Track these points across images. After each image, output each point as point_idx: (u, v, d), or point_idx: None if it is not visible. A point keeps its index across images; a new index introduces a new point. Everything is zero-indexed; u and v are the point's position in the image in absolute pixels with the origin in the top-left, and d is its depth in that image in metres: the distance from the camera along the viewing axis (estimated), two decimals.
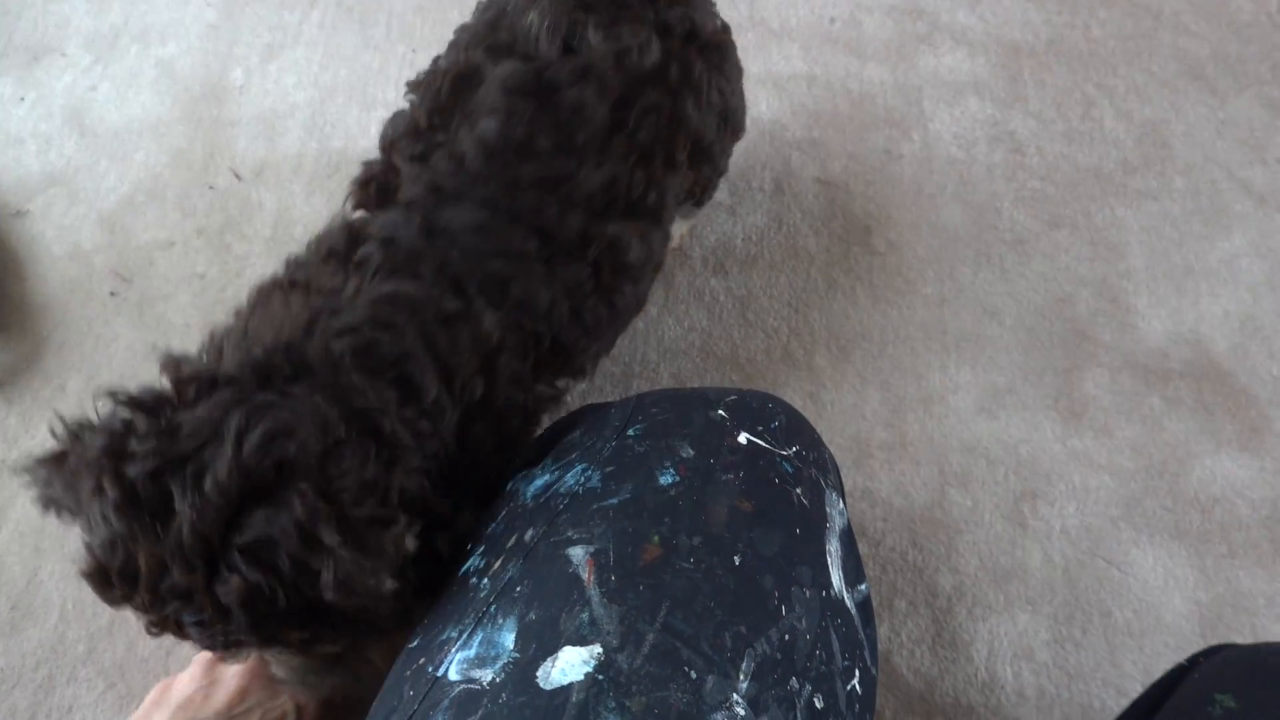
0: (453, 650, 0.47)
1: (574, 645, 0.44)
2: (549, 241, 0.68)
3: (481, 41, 0.73)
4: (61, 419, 0.56)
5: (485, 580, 0.52)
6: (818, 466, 0.59)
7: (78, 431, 0.55)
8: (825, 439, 0.64)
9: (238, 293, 1.00)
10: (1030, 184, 1.13)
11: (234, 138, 1.13)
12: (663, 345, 0.99)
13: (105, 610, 0.82)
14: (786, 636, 0.48)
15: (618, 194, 0.71)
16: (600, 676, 0.42)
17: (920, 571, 0.87)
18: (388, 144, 0.75)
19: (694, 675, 0.43)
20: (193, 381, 0.55)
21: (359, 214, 0.73)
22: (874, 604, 0.60)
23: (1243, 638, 0.85)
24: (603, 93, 0.71)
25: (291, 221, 1.07)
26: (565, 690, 0.42)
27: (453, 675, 0.46)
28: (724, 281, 1.03)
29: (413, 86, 0.77)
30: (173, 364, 0.58)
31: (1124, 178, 1.14)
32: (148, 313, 1.00)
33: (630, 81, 0.72)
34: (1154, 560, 0.88)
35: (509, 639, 0.46)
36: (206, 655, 0.63)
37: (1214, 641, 0.79)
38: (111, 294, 1.01)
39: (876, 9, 1.28)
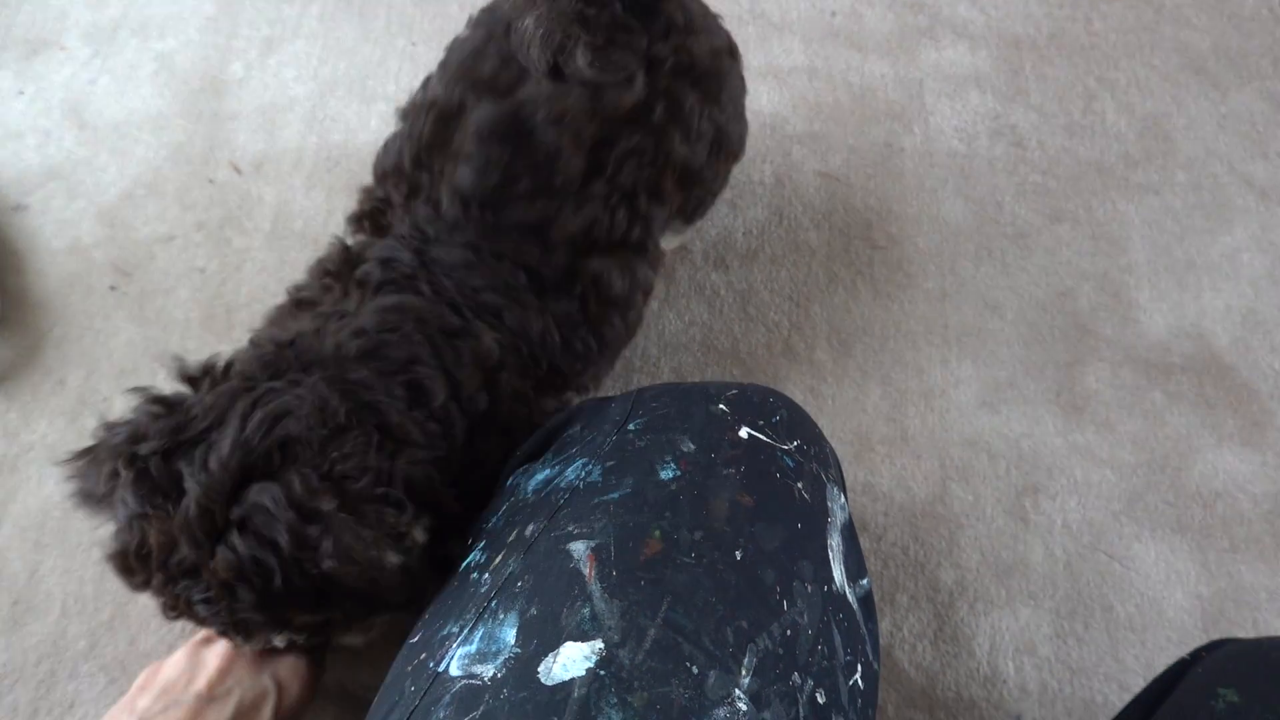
0: (454, 645, 0.47)
1: (575, 641, 0.44)
2: (536, 276, 0.70)
3: (466, 75, 0.73)
4: (101, 418, 0.59)
5: (486, 575, 0.52)
6: (819, 461, 0.59)
7: (109, 426, 0.58)
8: (826, 433, 0.64)
9: (238, 287, 1.01)
10: (1031, 178, 1.13)
11: (233, 132, 1.13)
12: (663, 339, 0.99)
13: (107, 605, 0.82)
14: (788, 632, 0.48)
15: (599, 234, 0.72)
16: (602, 672, 0.42)
17: (922, 566, 0.87)
18: (381, 174, 0.76)
19: (696, 671, 0.43)
20: (205, 375, 0.59)
21: (357, 238, 0.75)
22: (875, 599, 0.60)
23: (1245, 632, 0.84)
24: (578, 140, 0.70)
25: (291, 216, 1.06)
26: (567, 686, 0.42)
27: (454, 671, 0.46)
28: (725, 276, 1.03)
29: (402, 114, 0.77)
30: (183, 366, 0.61)
31: (1125, 171, 1.13)
32: (148, 307, 1.00)
33: (608, 125, 0.71)
34: (1156, 555, 0.88)
35: (510, 634, 0.46)
36: (194, 640, 0.64)
37: (1216, 636, 0.79)
38: (111, 288, 1.00)
39: (877, 2, 1.27)
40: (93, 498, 0.58)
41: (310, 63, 1.19)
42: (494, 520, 0.58)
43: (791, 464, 0.56)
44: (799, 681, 0.47)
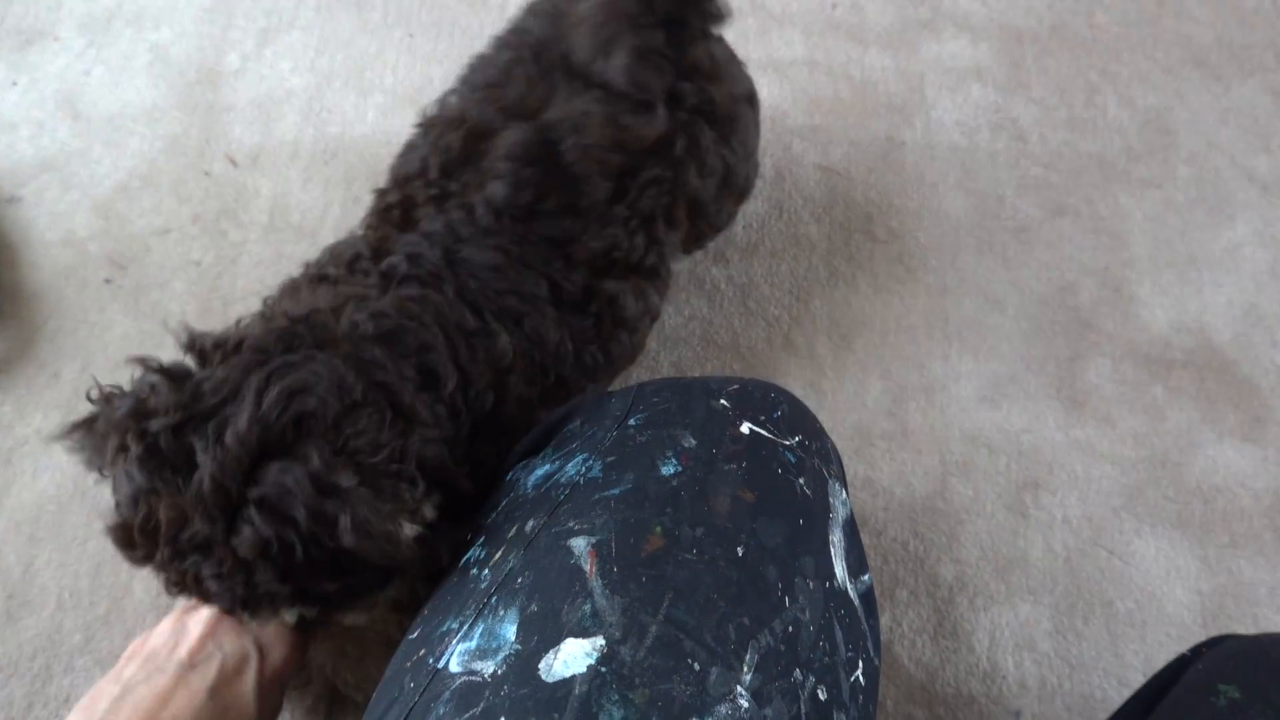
0: (453, 642, 0.47)
1: (576, 637, 0.43)
2: (557, 290, 0.73)
3: (493, 99, 0.77)
4: (97, 386, 0.58)
5: (486, 571, 0.51)
6: (820, 456, 0.59)
7: (109, 397, 0.57)
8: (826, 428, 0.63)
9: (234, 280, 1.00)
10: (1033, 171, 1.12)
11: (229, 123, 1.12)
12: (663, 334, 0.98)
13: (102, 599, 0.82)
14: (790, 628, 0.47)
15: (618, 256, 0.76)
16: (603, 668, 0.42)
17: (922, 561, 0.87)
18: (402, 178, 0.78)
19: (697, 667, 0.43)
20: (217, 348, 0.58)
21: (382, 230, 0.76)
22: (875, 594, 0.60)
23: (1245, 628, 0.84)
24: (605, 167, 0.75)
25: (288, 208, 1.06)
26: (568, 682, 0.42)
27: (454, 667, 0.45)
28: (725, 270, 1.03)
29: (424, 125, 0.80)
30: (192, 337, 0.60)
31: (1127, 165, 1.13)
32: (143, 300, 0.99)
33: (633, 155, 0.76)
34: (1156, 550, 0.88)
35: (510, 631, 0.45)
36: (179, 609, 0.64)
37: (1216, 632, 0.79)
38: (106, 281, 1.00)
39: None
40: (98, 465, 0.57)
41: (307, 54, 1.19)
42: (493, 516, 0.58)
43: (793, 459, 0.55)
44: (801, 678, 0.46)
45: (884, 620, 0.84)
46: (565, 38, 0.78)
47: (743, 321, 1.00)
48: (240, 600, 0.55)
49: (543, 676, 0.42)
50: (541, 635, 0.44)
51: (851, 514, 0.59)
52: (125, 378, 0.60)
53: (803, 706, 0.46)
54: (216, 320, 0.97)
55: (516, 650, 0.44)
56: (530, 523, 0.52)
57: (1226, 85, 1.20)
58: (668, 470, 0.52)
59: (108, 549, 0.83)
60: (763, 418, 0.57)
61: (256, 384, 0.54)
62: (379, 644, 0.72)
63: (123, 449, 0.54)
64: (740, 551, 0.48)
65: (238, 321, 0.64)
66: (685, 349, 0.98)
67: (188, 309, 0.98)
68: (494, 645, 0.45)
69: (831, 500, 0.57)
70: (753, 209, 1.07)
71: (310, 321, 0.61)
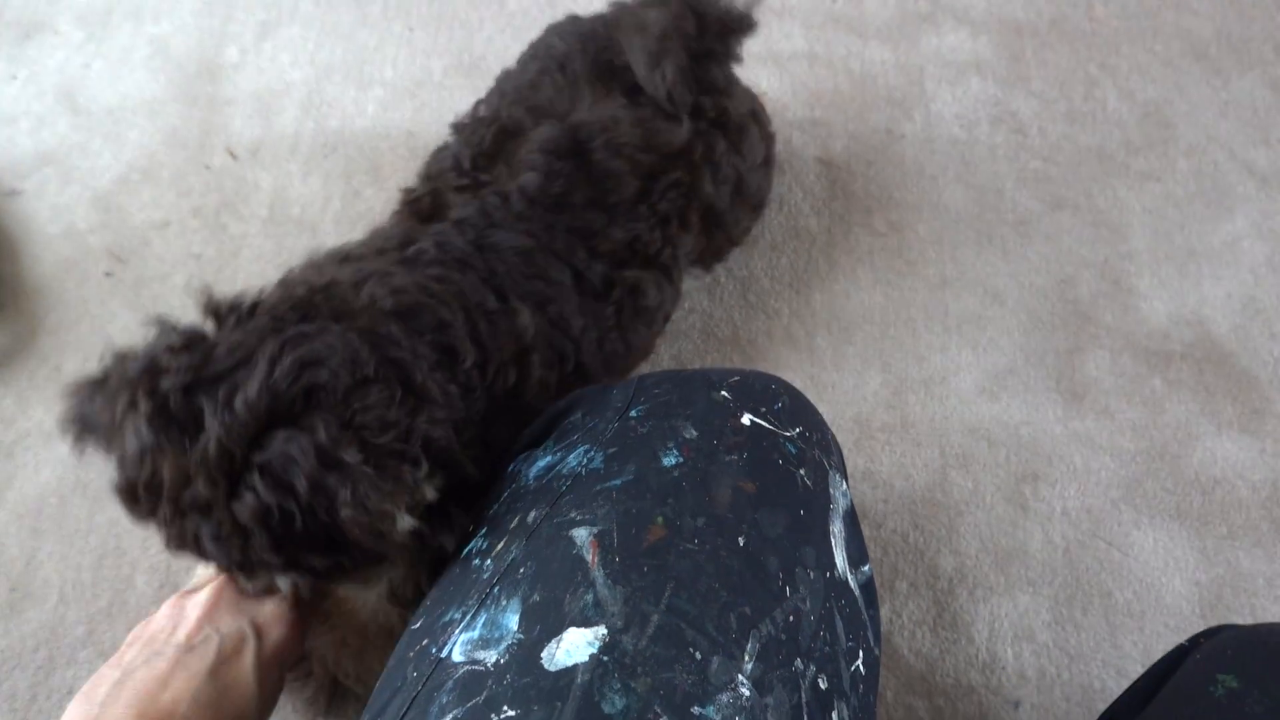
0: (456, 631, 0.47)
1: (578, 626, 0.44)
2: (580, 278, 0.76)
3: (524, 100, 0.83)
4: (111, 345, 0.58)
5: (488, 561, 0.51)
6: (821, 448, 0.59)
7: (122, 355, 0.58)
8: (827, 420, 0.63)
9: (234, 274, 1.00)
10: (1032, 165, 1.12)
11: (229, 117, 1.12)
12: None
13: (105, 592, 0.82)
14: (791, 618, 0.48)
15: (638, 249, 0.80)
16: (605, 658, 0.42)
17: (921, 553, 0.87)
18: (434, 174, 0.81)
19: (699, 656, 0.43)
20: (232, 311, 0.58)
21: (409, 221, 0.78)
22: (875, 585, 0.60)
23: (1242, 618, 0.85)
24: (636, 168, 0.79)
25: (288, 202, 1.06)
26: (570, 671, 0.42)
27: (456, 656, 0.45)
28: (725, 263, 1.03)
29: (456, 129, 0.86)
30: (211, 300, 0.60)
31: (1126, 158, 1.13)
32: (143, 293, 0.99)
33: (660, 158, 0.81)
34: (1154, 541, 0.88)
35: (513, 620, 0.45)
36: (178, 594, 0.65)
37: (1214, 622, 0.79)
38: (107, 274, 1.00)
39: None
40: (90, 426, 0.57)
41: (306, 47, 1.18)
42: (495, 506, 0.58)
43: (794, 450, 0.56)
44: (801, 667, 0.47)
45: (884, 611, 0.84)
46: (623, 35, 0.85)
47: (743, 314, 1.00)
48: (236, 563, 0.55)
49: (545, 666, 0.42)
50: (544, 625, 0.44)
51: (852, 505, 0.60)
52: None
53: (804, 695, 0.46)
54: None
55: (519, 639, 0.44)
56: (532, 513, 0.52)
57: (1226, 78, 1.20)
58: (669, 461, 0.52)
59: (110, 541, 0.84)
60: (763, 409, 0.57)
61: (270, 351, 0.54)
62: (380, 636, 0.72)
63: (133, 405, 0.54)
64: (741, 542, 0.49)
65: (261, 289, 0.64)
66: (685, 342, 0.98)
67: (188, 302, 0.98)
68: (496, 635, 0.45)
69: (832, 491, 0.57)
70: None
71: (329, 292, 0.61)
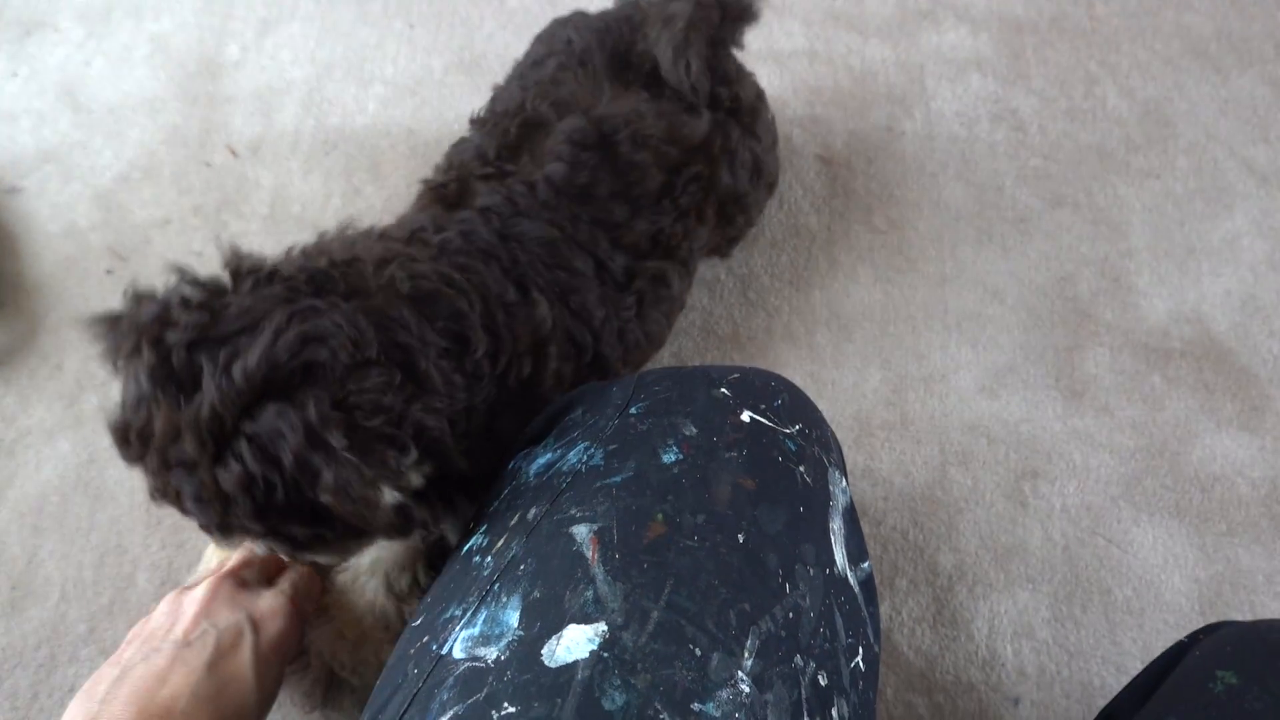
0: (456, 628, 0.47)
1: (578, 623, 0.44)
2: (601, 268, 0.77)
3: (547, 95, 0.84)
4: (134, 286, 0.59)
5: (488, 559, 0.52)
6: (820, 445, 0.59)
7: (140, 297, 0.58)
8: (826, 417, 0.63)
9: None
10: (1032, 162, 1.12)
11: (230, 114, 1.12)
12: None
13: (106, 590, 0.82)
14: (790, 614, 0.48)
15: (659, 241, 0.81)
16: (605, 654, 0.42)
17: (921, 550, 0.87)
18: (457, 163, 0.82)
19: (699, 653, 0.43)
20: (251, 274, 0.58)
21: (435, 208, 0.79)
22: (875, 582, 0.60)
23: (1242, 615, 0.85)
24: (662, 161, 0.81)
25: (289, 199, 1.06)
26: (570, 668, 0.42)
27: (457, 653, 0.46)
28: (725, 261, 1.03)
29: (477, 123, 0.88)
30: (235, 258, 0.60)
31: (1126, 156, 1.13)
32: None
33: (684, 151, 0.83)
34: (1154, 538, 0.89)
35: (513, 617, 0.46)
36: (175, 591, 0.65)
37: (1213, 619, 0.79)
38: (108, 272, 1.00)
39: None
40: (114, 359, 0.58)
41: (307, 45, 1.18)
42: (495, 503, 0.58)
43: (793, 448, 0.56)
44: (801, 664, 0.47)
45: (884, 608, 0.84)
46: (648, 28, 0.87)
47: (743, 312, 1.00)
48: (216, 525, 0.56)
49: (545, 662, 0.43)
50: (544, 621, 0.44)
51: (851, 502, 0.60)
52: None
53: (803, 692, 0.46)
54: None
55: (519, 636, 0.44)
56: (532, 510, 0.52)
57: (1225, 76, 1.20)
58: (669, 458, 0.52)
59: (111, 539, 0.84)
60: (763, 406, 0.57)
61: (277, 321, 0.54)
62: (376, 628, 0.73)
63: (137, 352, 0.55)
64: (741, 538, 0.49)
65: (289, 249, 0.64)
66: (686, 339, 0.98)
67: None
68: (497, 631, 0.45)
69: (831, 488, 0.57)
70: None
71: (349, 268, 0.61)
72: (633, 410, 0.57)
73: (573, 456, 0.55)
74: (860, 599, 0.56)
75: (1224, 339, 1.00)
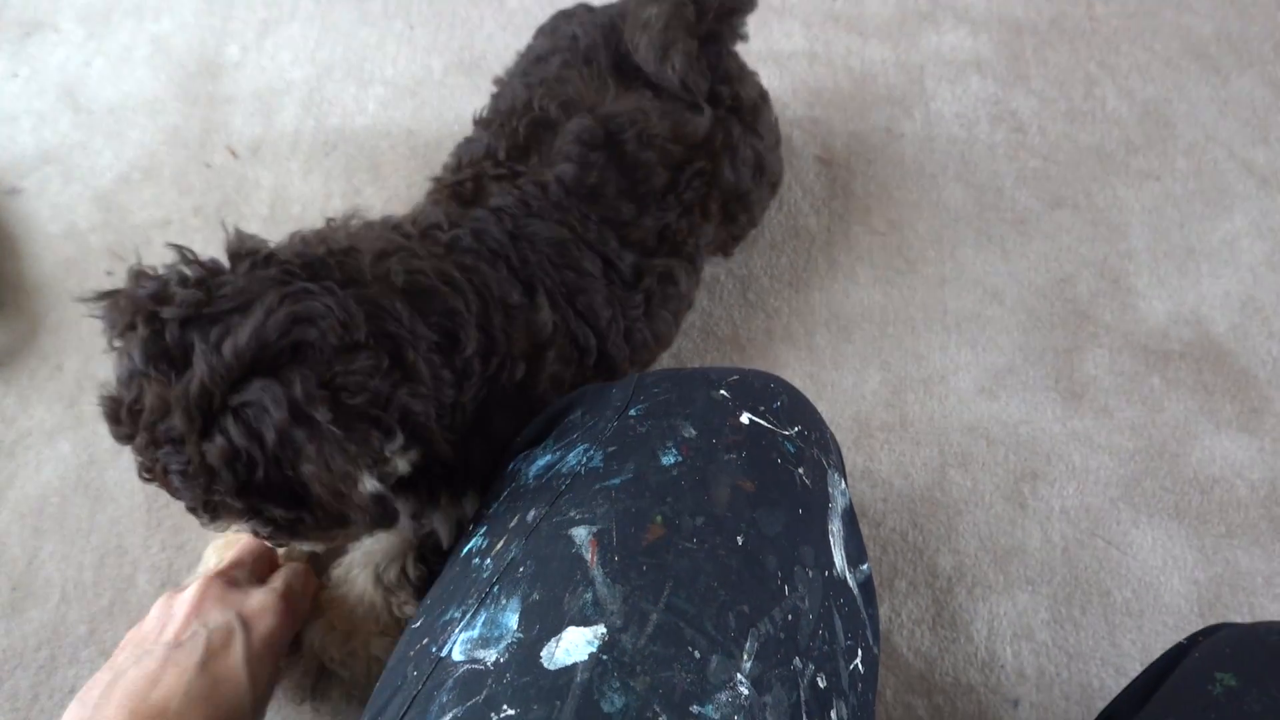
0: (456, 630, 0.47)
1: (578, 625, 0.44)
2: (610, 267, 0.78)
3: (554, 94, 0.84)
4: (137, 263, 0.60)
5: (488, 560, 0.52)
6: (820, 446, 0.59)
7: (140, 275, 0.59)
8: (826, 419, 0.64)
9: None
10: (1032, 163, 1.12)
11: (230, 115, 1.12)
12: None
13: (106, 591, 0.82)
14: (790, 616, 0.48)
15: (667, 237, 0.83)
16: (604, 656, 0.42)
17: (920, 552, 0.87)
18: (467, 162, 0.83)
19: (698, 655, 0.43)
20: (249, 255, 0.59)
21: (449, 206, 0.79)
22: (874, 584, 0.60)
23: (1241, 617, 0.85)
24: (667, 159, 0.82)
25: (289, 200, 1.06)
26: (569, 670, 0.42)
27: (456, 655, 0.46)
28: (725, 262, 1.03)
29: (481, 123, 0.89)
30: (238, 240, 0.61)
31: (1126, 157, 1.13)
32: None
33: (687, 149, 0.84)
34: (1153, 540, 0.89)
35: (512, 619, 0.46)
36: (167, 594, 0.66)
37: (1212, 621, 0.79)
38: (108, 273, 1.00)
39: None
40: (110, 335, 0.59)
41: (307, 45, 1.19)
42: (495, 505, 0.58)
43: (792, 449, 0.56)
44: (800, 666, 0.47)
45: (883, 610, 0.84)
46: (628, 36, 0.87)
47: (742, 313, 1.00)
48: (200, 502, 0.56)
49: (545, 664, 0.43)
50: (543, 624, 0.44)
51: (850, 504, 0.60)
52: None
53: (802, 694, 0.46)
54: None
55: (518, 638, 0.44)
56: (532, 512, 0.52)
57: (1225, 77, 1.20)
58: (668, 460, 0.52)
59: (111, 541, 0.84)
60: (762, 408, 0.57)
61: (270, 302, 0.54)
62: (367, 620, 0.73)
63: (132, 327, 0.56)
64: (740, 540, 0.49)
65: (293, 234, 0.65)
66: (685, 340, 0.98)
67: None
68: (496, 634, 0.45)
69: (830, 490, 0.57)
70: None
71: (346, 257, 0.61)
72: (632, 412, 0.57)
73: (572, 458, 0.55)
74: (859, 601, 0.56)
75: (1223, 340, 1.00)
